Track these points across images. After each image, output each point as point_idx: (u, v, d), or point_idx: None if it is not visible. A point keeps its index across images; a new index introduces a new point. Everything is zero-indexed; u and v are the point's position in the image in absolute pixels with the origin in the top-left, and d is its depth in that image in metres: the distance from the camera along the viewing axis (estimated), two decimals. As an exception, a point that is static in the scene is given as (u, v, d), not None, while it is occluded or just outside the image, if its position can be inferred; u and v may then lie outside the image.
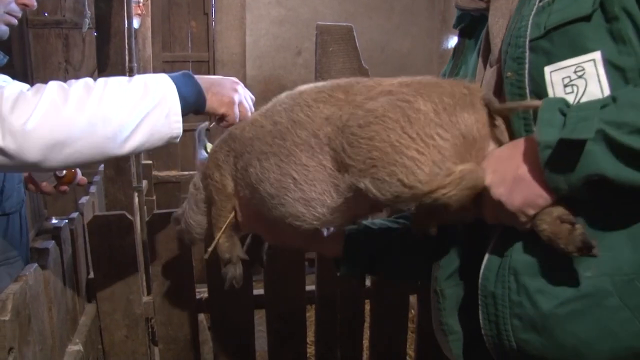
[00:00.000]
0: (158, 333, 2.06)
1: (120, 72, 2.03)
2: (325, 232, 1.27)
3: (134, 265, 1.94)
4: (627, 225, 0.87)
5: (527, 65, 0.91)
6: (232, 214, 1.24)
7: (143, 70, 4.15)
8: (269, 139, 1.07)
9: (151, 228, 1.95)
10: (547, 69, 0.89)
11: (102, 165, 2.65)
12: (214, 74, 5.68)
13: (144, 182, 3.01)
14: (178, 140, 1.21)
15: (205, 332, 2.72)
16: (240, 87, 1.31)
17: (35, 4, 1.36)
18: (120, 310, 1.97)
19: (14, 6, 1.33)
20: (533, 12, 0.91)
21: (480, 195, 0.92)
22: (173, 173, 5.29)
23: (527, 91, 0.92)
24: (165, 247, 1.96)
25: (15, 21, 1.36)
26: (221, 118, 1.28)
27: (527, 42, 0.91)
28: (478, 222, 0.99)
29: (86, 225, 1.93)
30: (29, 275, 1.38)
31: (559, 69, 0.88)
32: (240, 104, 1.29)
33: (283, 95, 1.12)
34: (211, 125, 1.38)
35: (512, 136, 0.95)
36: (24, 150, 1.05)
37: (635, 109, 0.78)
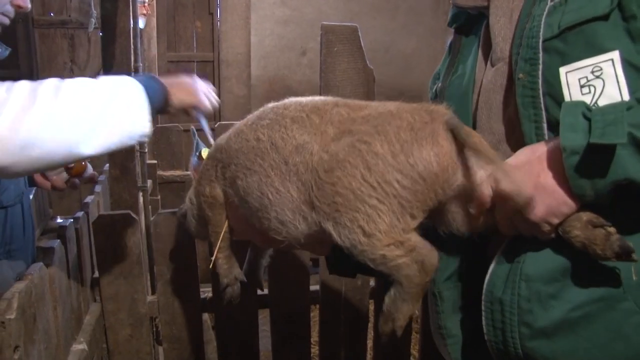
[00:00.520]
0: (162, 332, 2.06)
1: (126, 71, 2.03)
2: None
3: (139, 264, 1.95)
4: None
5: (540, 67, 0.89)
6: (226, 224, 1.25)
7: (148, 70, 4.16)
8: (252, 155, 1.07)
9: (156, 227, 1.96)
10: (563, 70, 0.86)
11: (107, 165, 2.66)
12: (219, 73, 5.71)
13: (149, 182, 3.02)
14: (147, 138, 1.24)
15: (210, 332, 2.72)
16: (198, 80, 1.42)
17: (29, 5, 1.37)
18: (124, 310, 1.98)
19: (8, 7, 1.34)
20: (545, 12, 0.89)
21: (492, 205, 0.89)
22: (178, 173, 5.27)
23: (540, 93, 0.89)
24: (170, 246, 1.97)
25: (7, 22, 1.37)
26: (195, 108, 1.39)
27: (541, 43, 0.88)
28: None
29: (91, 225, 1.94)
30: (34, 274, 1.39)
31: (575, 70, 0.85)
32: (204, 93, 1.40)
33: (270, 105, 1.12)
34: (208, 125, 1.46)
35: (522, 140, 0.92)
36: None
37: None
